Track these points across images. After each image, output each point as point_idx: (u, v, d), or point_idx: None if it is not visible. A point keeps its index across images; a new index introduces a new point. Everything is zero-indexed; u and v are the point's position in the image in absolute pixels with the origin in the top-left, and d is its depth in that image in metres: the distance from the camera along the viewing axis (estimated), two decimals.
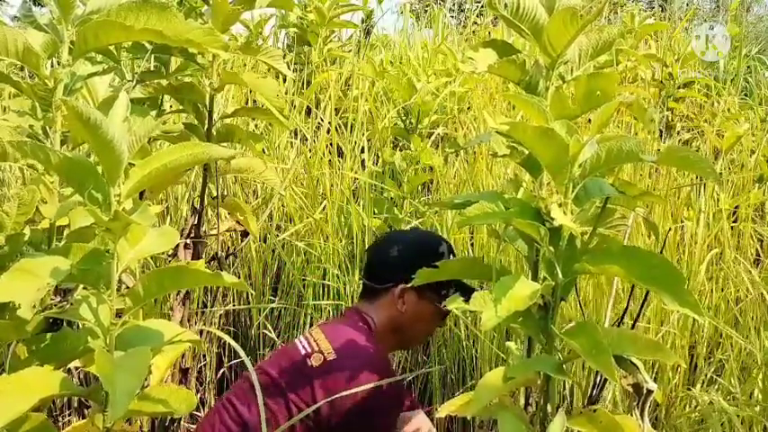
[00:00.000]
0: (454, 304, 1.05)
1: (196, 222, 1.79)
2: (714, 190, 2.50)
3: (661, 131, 3.36)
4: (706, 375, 2.03)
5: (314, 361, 1.45)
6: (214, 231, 1.83)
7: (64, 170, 0.99)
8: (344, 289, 2.31)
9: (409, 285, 1.33)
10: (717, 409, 1.73)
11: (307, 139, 2.90)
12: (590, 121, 1.06)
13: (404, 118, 2.74)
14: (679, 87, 3.47)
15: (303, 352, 1.48)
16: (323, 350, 1.47)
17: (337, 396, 1.34)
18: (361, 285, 1.72)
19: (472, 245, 2.36)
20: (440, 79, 2.94)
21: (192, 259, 1.76)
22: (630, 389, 1.08)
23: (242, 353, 1.12)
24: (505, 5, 1.07)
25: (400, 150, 2.65)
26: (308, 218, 2.50)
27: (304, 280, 2.40)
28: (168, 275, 1.06)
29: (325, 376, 1.43)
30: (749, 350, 2.00)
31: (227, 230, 1.88)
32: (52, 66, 1.19)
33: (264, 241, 2.53)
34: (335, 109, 2.95)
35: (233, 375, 2.35)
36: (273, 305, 2.41)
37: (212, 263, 1.94)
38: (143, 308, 1.14)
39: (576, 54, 1.12)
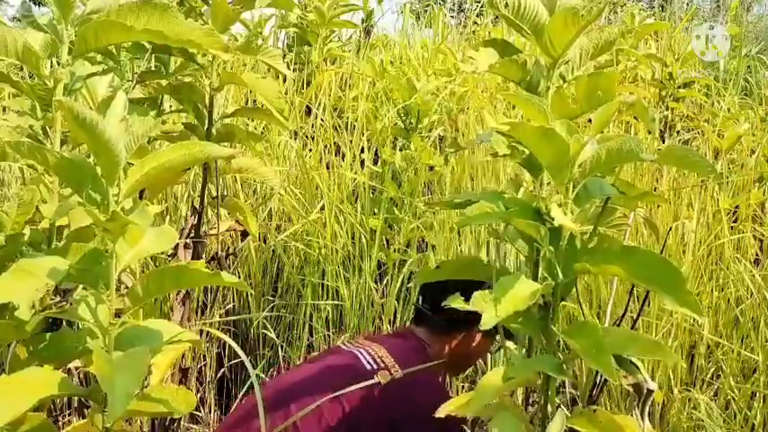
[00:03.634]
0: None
1: (196, 222, 1.79)
2: (714, 190, 2.50)
3: (661, 131, 3.36)
4: (705, 375, 2.03)
5: (381, 378, 1.41)
6: (214, 231, 1.83)
7: (62, 170, 0.99)
8: (344, 289, 2.31)
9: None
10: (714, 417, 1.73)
11: (305, 139, 2.90)
12: (590, 120, 1.06)
13: (404, 118, 2.74)
14: (679, 87, 3.47)
15: (369, 367, 1.46)
16: (389, 367, 1.46)
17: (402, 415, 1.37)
18: (416, 310, 1.67)
19: None
20: (440, 79, 2.94)
21: (191, 259, 1.76)
22: (631, 389, 1.08)
23: (241, 353, 1.11)
24: (506, 5, 1.07)
25: (400, 150, 2.65)
26: (305, 218, 2.49)
27: (303, 280, 2.40)
28: (168, 275, 1.06)
29: (393, 393, 1.42)
30: (751, 347, 2.00)
31: (226, 230, 1.88)
32: (52, 66, 1.19)
33: (264, 241, 2.53)
34: (336, 109, 2.95)
35: (233, 375, 2.35)
36: (273, 306, 2.41)
37: (212, 263, 1.94)
38: (143, 308, 1.14)
39: (577, 54, 1.11)
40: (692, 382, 2.04)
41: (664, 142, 3.25)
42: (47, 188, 1.22)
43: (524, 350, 1.19)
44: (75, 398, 1.85)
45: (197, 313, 2.21)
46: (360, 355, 1.50)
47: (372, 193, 2.55)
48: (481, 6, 4.81)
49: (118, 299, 1.05)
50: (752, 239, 2.46)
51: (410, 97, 2.69)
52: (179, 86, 1.70)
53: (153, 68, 1.76)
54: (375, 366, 1.46)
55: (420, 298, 1.65)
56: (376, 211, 2.44)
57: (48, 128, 1.24)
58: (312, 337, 2.36)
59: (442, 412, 1.06)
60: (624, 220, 1.24)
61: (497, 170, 2.59)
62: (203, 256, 1.82)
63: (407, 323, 1.80)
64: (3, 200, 2.10)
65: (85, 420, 1.08)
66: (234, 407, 1.62)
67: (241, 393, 2.14)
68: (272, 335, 2.32)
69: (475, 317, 1.15)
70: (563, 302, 1.11)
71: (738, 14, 5.20)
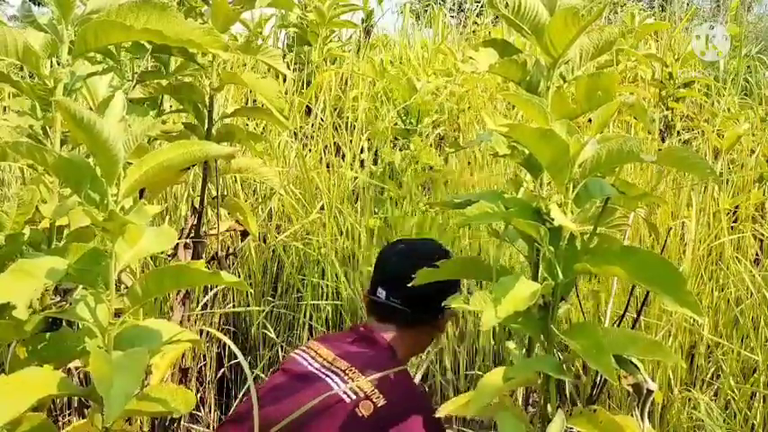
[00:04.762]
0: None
1: (196, 222, 1.79)
2: (714, 190, 2.50)
3: (661, 131, 3.37)
4: (705, 375, 2.03)
5: (363, 410, 1.31)
6: (214, 231, 1.83)
7: (61, 170, 0.99)
8: (343, 289, 2.31)
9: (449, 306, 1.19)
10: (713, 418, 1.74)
11: (305, 139, 2.90)
12: (590, 120, 1.06)
13: (404, 118, 2.74)
14: (679, 87, 3.47)
15: (348, 400, 1.32)
16: (370, 395, 1.33)
17: None
18: (379, 305, 1.51)
19: None
20: (440, 79, 2.94)
21: (191, 259, 1.76)
22: (630, 389, 1.08)
23: (240, 356, 1.11)
24: (506, 5, 1.07)
25: (400, 150, 2.65)
26: (305, 218, 2.50)
27: (303, 279, 2.40)
28: (168, 275, 1.06)
29: (381, 424, 1.31)
30: (751, 347, 2.00)
31: (226, 230, 1.88)
32: (52, 66, 1.19)
33: (264, 241, 2.53)
34: (336, 109, 2.95)
35: (233, 375, 2.35)
36: (273, 305, 2.41)
37: (212, 262, 1.94)
38: (142, 307, 1.14)
39: (577, 54, 1.11)
40: (692, 382, 2.04)
41: (664, 142, 3.26)
42: (47, 188, 1.23)
43: (524, 350, 1.19)
44: (75, 398, 1.85)
45: (197, 312, 2.21)
46: (332, 383, 1.36)
47: (372, 193, 2.55)
48: (481, 6, 4.81)
49: (117, 299, 1.05)
50: (752, 239, 2.46)
51: (410, 97, 2.70)
52: (179, 86, 1.70)
53: (153, 68, 1.76)
54: (354, 397, 1.32)
55: (383, 293, 1.48)
56: (376, 211, 2.44)
57: (48, 128, 1.24)
58: (312, 336, 2.36)
59: (441, 413, 1.06)
60: (624, 220, 1.24)
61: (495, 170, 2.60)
62: (203, 255, 1.82)
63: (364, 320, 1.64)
64: (3, 200, 2.10)
65: (85, 420, 1.08)
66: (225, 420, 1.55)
67: (241, 393, 2.14)
68: (272, 335, 2.32)
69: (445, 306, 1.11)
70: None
71: (738, 14, 5.20)
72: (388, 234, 2.41)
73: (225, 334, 2.32)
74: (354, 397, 1.32)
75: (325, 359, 1.42)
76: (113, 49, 1.60)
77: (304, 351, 1.47)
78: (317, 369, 1.40)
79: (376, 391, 1.33)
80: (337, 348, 1.44)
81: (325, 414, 1.31)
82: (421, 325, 1.49)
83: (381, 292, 1.49)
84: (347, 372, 1.37)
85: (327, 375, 1.38)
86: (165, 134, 1.72)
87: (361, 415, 1.30)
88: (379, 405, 1.31)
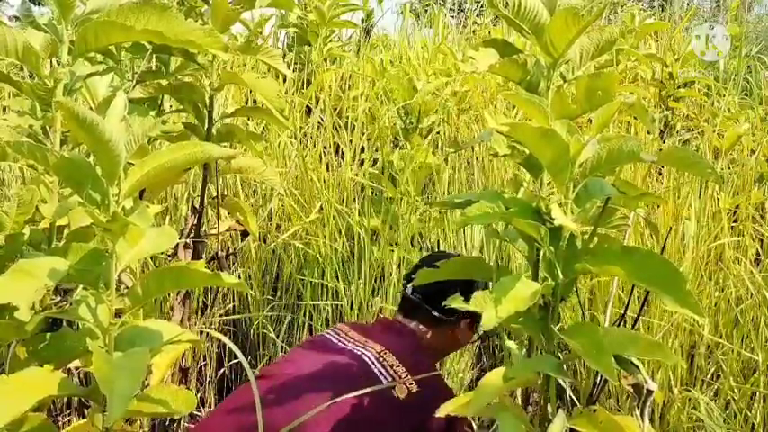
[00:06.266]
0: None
1: (196, 222, 1.79)
2: (714, 190, 2.50)
3: (661, 131, 3.37)
4: (705, 375, 2.03)
5: (399, 392, 1.39)
6: (214, 231, 1.83)
7: (62, 170, 0.99)
8: (343, 289, 2.31)
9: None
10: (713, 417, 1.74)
11: (305, 139, 2.90)
12: (590, 120, 1.06)
13: (404, 118, 2.74)
14: (679, 87, 3.47)
15: (383, 378, 1.41)
16: (404, 380, 1.41)
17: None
18: (405, 300, 1.63)
19: None
20: (440, 79, 2.94)
21: (192, 259, 1.76)
22: (630, 389, 1.08)
23: (240, 355, 1.11)
24: (506, 5, 1.07)
25: (399, 149, 2.64)
26: (305, 218, 2.49)
27: (302, 280, 2.40)
28: (168, 275, 1.06)
29: (413, 409, 1.39)
30: (751, 347, 2.00)
31: (226, 230, 1.88)
32: (52, 66, 1.19)
33: (264, 241, 2.53)
34: (336, 109, 2.95)
35: (233, 375, 2.35)
36: (273, 305, 2.41)
37: (212, 263, 1.94)
38: (143, 308, 1.14)
39: (578, 54, 1.11)
40: (692, 382, 2.04)
41: (664, 142, 3.26)
42: (47, 188, 1.22)
43: (524, 350, 1.19)
44: (75, 398, 1.85)
45: (197, 313, 2.21)
46: (367, 360, 1.44)
47: (372, 193, 2.55)
48: (481, 6, 4.82)
49: (118, 299, 1.05)
50: (752, 239, 2.46)
51: (410, 97, 2.69)
52: (179, 86, 1.70)
53: (153, 68, 1.76)
54: (389, 377, 1.40)
55: (410, 288, 1.59)
56: (380, 211, 2.44)
57: (48, 128, 1.24)
58: (312, 336, 2.35)
59: (441, 412, 1.06)
60: (624, 220, 1.24)
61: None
62: (203, 256, 1.82)
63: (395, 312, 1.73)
64: (3, 200, 2.10)
65: (85, 420, 1.08)
66: (231, 395, 1.56)
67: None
68: (273, 335, 2.32)
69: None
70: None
71: (738, 14, 5.21)
72: (386, 233, 2.41)
73: (225, 334, 2.32)
74: (390, 378, 1.40)
75: (357, 340, 1.50)
76: (113, 49, 1.60)
77: (334, 332, 1.56)
78: (350, 347, 1.48)
79: (410, 377, 1.41)
80: (367, 334, 1.53)
81: (361, 387, 1.35)
82: (440, 325, 1.58)
83: (408, 288, 1.60)
84: (382, 354, 1.45)
85: (363, 353, 1.46)
86: (166, 134, 1.72)
87: (396, 396, 1.38)
88: (413, 391, 1.40)
